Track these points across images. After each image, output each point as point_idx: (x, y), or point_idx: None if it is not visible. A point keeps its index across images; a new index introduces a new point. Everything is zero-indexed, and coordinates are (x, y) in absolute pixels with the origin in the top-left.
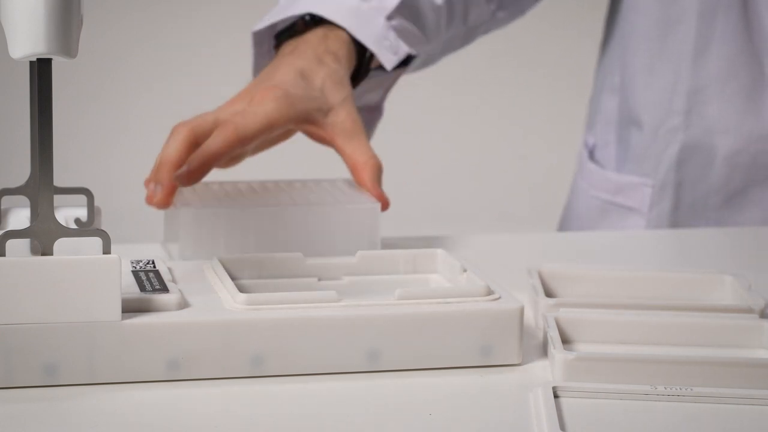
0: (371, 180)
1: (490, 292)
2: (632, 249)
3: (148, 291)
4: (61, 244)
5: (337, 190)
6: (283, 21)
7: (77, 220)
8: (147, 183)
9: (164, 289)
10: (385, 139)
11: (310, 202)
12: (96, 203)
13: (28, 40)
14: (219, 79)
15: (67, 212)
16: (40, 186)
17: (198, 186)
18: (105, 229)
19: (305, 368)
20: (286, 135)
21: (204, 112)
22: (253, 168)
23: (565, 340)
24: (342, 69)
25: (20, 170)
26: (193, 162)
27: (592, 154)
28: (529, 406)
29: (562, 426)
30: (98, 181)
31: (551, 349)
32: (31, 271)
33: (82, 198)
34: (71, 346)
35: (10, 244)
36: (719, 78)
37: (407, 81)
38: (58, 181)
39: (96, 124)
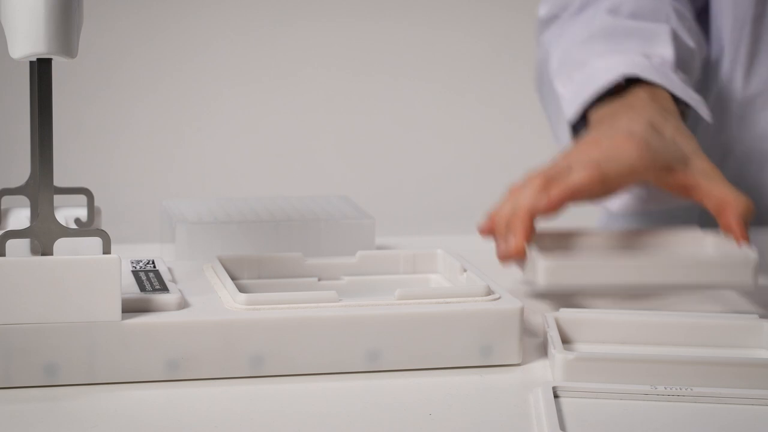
0: (737, 219)
1: (490, 292)
2: None
3: (148, 291)
4: (61, 244)
5: (333, 206)
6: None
7: (77, 220)
8: (485, 232)
9: (164, 289)
10: (385, 139)
11: (305, 217)
12: (96, 203)
13: (28, 40)
14: (219, 79)
15: (67, 212)
16: (40, 186)
17: (196, 201)
18: (105, 229)
19: (305, 368)
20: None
21: (554, 160)
22: (249, 185)
23: (565, 340)
24: (681, 122)
25: (20, 170)
26: (553, 193)
27: None
28: (529, 406)
29: (562, 426)
30: (98, 181)
31: (551, 349)
32: (31, 271)
33: (82, 198)
34: (71, 346)
35: (10, 244)
36: None
37: (407, 81)
38: (58, 181)
39: (96, 124)
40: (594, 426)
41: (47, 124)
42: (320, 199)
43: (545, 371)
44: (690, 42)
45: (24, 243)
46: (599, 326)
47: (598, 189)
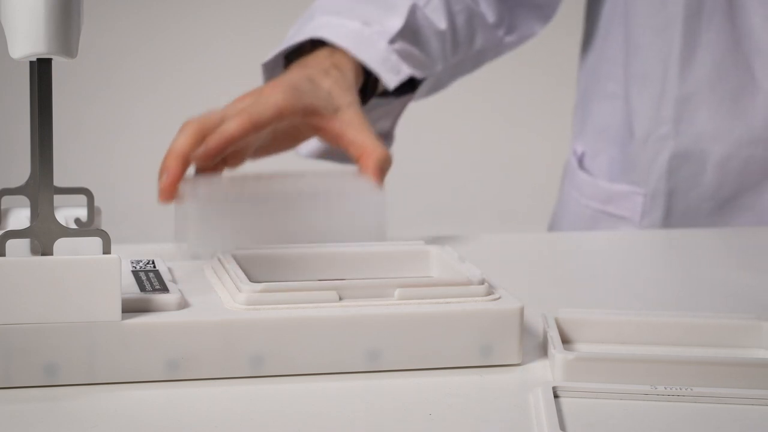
0: (375, 165)
1: (490, 292)
2: (628, 250)
3: (148, 291)
4: (61, 244)
5: (346, 181)
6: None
7: (77, 220)
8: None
9: (164, 289)
10: None
11: (317, 191)
12: (96, 203)
13: (28, 40)
14: (219, 79)
15: (67, 212)
16: (40, 186)
17: (203, 178)
18: (105, 229)
19: (305, 368)
20: (289, 139)
21: (212, 110)
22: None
23: (565, 340)
24: (347, 79)
25: (20, 170)
26: (209, 142)
27: (581, 163)
28: (529, 406)
29: (562, 426)
30: (98, 181)
31: (551, 349)
32: (31, 271)
33: (82, 198)
34: (71, 346)
35: (10, 244)
36: (708, 84)
37: None
38: (58, 181)
39: (96, 124)
40: (594, 426)
41: (47, 124)
42: (335, 173)
43: (545, 371)
44: (440, 23)
45: (24, 243)
46: (599, 326)
47: (251, 131)
